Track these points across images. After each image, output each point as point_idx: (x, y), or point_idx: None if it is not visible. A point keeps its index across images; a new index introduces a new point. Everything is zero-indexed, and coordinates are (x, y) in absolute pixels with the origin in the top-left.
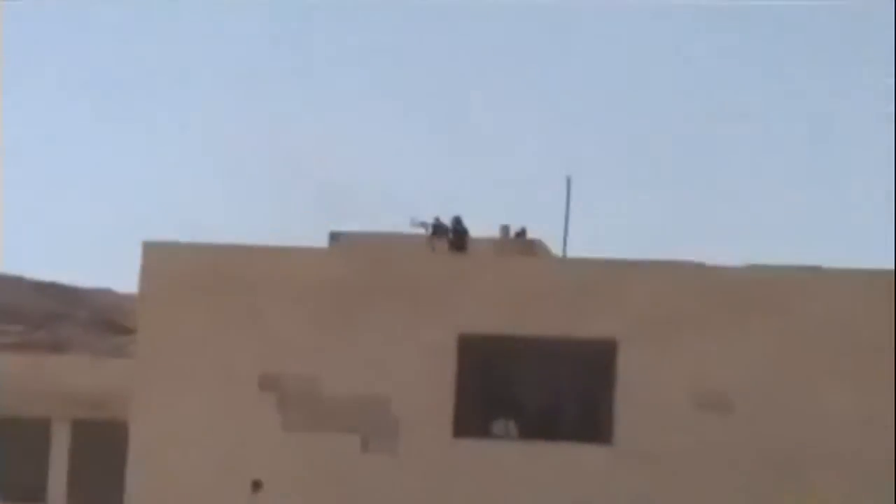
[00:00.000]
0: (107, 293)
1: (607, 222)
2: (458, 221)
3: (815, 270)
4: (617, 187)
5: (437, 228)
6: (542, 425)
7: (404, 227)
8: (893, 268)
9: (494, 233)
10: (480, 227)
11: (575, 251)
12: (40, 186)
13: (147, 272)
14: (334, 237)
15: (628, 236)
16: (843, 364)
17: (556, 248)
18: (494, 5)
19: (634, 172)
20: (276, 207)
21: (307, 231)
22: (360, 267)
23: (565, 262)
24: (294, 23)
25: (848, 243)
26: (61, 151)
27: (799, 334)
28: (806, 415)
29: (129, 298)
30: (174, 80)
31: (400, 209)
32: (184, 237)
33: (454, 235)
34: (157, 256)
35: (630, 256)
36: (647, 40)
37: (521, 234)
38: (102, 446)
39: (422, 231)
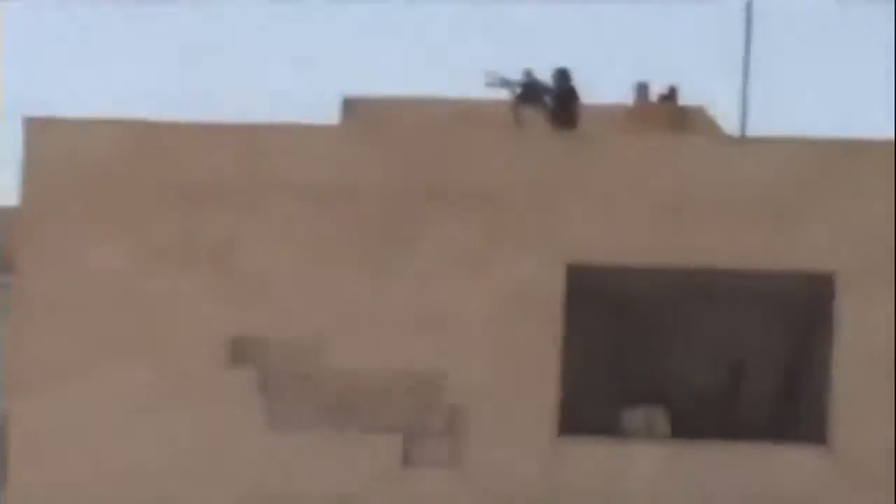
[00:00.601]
0: None
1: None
2: (563, 76)
3: None
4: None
5: (529, 88)
6: (710, 415)
7: (468, 92)
8: None
9: (625, 97)
10: (601, 89)
11: (758, 129)
12: None
13: (33, 170)
14: (350, 106)
15: (823, 110)
16: None
17: (728, 125)
18: None
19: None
20: (253, 76)
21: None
22: (396, 154)
23: (747, 145)
24: None
25: None
26: None
27: None
28: None
29: (6, 214)
30: None
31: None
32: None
33: (557, 100)
34: (51, 143)
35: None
36: None
37: (670, 96)
38: None
39: (502, 94)
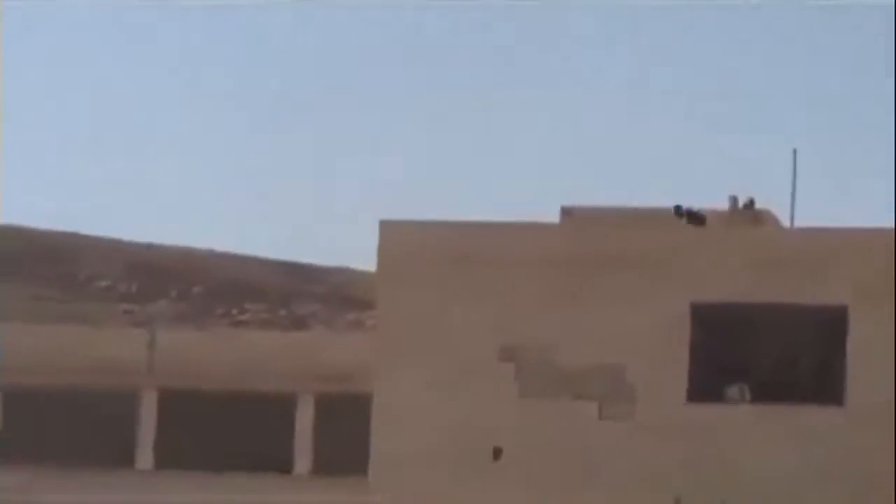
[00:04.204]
0: (343, 271)
1: (832, 192)
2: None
3: None
4: (843, 159)
5: (684, 210)
6: (775, 389)
7: (630, 203)
8: None
9: (724, 204)
10: (709, 199)
11: (802, 221)
12: (280, 175)
13: (385, 249)
14: (566, 212)
15: (850, 206)
16: None
17: (783, 219)
18: None
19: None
20: (500, 183)
21: (533, 205)
22: (592, 239)
23: (795, 231)
24: None
25: None
26: (290, 143)
27: None
28: None
29: (365, 275)
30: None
31: (627, 187)
32: (416, 215)
33: (693, 215)
34: (394, 234)
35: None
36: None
37: (750, 204)
38: (344, 418)
39: (661, 210)
